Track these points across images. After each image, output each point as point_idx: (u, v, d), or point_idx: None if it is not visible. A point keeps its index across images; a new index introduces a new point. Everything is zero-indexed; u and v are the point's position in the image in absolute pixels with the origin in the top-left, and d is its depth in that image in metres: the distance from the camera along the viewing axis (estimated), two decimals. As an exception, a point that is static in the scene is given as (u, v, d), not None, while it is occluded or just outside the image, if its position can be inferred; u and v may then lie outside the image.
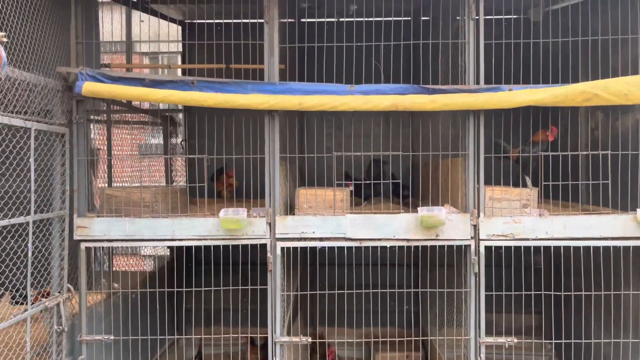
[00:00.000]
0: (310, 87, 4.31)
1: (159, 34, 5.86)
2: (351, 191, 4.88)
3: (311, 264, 6.49)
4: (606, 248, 4.27)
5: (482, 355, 4.27)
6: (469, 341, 4.32)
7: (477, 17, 4.30)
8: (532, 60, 4.72)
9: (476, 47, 4.30)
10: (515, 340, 4.28)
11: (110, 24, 5.71)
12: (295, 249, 4.40)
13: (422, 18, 5.97)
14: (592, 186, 5.01)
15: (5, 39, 2.98)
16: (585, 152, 5.06)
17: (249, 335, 5.72)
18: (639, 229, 4.16)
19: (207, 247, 4.43)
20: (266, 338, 5.86)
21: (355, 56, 5.21)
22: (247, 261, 5.17)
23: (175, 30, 7.41)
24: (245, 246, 4.42)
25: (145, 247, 8.24)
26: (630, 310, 4.59)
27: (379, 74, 6.16)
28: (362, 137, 6.33)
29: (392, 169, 6.38)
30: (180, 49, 8.17)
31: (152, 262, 9.01)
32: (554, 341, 5.09)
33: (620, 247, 4.22)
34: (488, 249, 4.32)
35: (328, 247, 4.40)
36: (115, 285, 5.21)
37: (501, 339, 4.28)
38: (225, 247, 4.46)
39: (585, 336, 5.03)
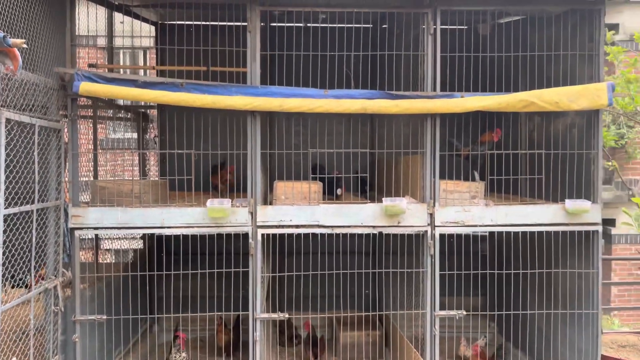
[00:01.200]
0: (289, 90, 4.80)
1: (133, 32, 6.23)
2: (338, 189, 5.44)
3: (280, 253, 6.96)
4: (540, 233, 5.02)
5: (437, 327, 4.92)
6: (425, 315, 4.96)
7: (435, 27, 4.86)
8: (480, 70, 5.39)
9: (433, 58, 4.91)
10: (464, 313, 4.96)
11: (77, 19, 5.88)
12: (269, 237, 4.88)
13: (383, 26, 6.59)
14: (529, 180, 5.79)
15: (25, 45, 3.32)
16: (524, 151, 5.86)
17: (223, 314, 6.19)
18: (567, 216, 4.91)
19: (177, 238, 4.78)
20: (236, 320, 6.38)
21: (321, 61, 5.69)
22: (214, 251, 5.56)
23: (148, 30, 7.71)
24: (212, 237, 4.80)
25: (105, 241, 8.43)
26: (559, 286, 5.37)
27: (344, 77, 6.73)
28: (326, 134, 6.86)
29: (354, 165, 6.98)
30: (151, 46, 8.45)
31: (111, 255, 9.25)
32: (496, 313, 5.82)
33: (551, 232, 4.97)
34: (442, 236, 4.97)
35: (296, 236, 4.88)
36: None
37: (452, 312, 4.95)
38: (194, 237, 4.81)
39: (523, 311, 5.81)
